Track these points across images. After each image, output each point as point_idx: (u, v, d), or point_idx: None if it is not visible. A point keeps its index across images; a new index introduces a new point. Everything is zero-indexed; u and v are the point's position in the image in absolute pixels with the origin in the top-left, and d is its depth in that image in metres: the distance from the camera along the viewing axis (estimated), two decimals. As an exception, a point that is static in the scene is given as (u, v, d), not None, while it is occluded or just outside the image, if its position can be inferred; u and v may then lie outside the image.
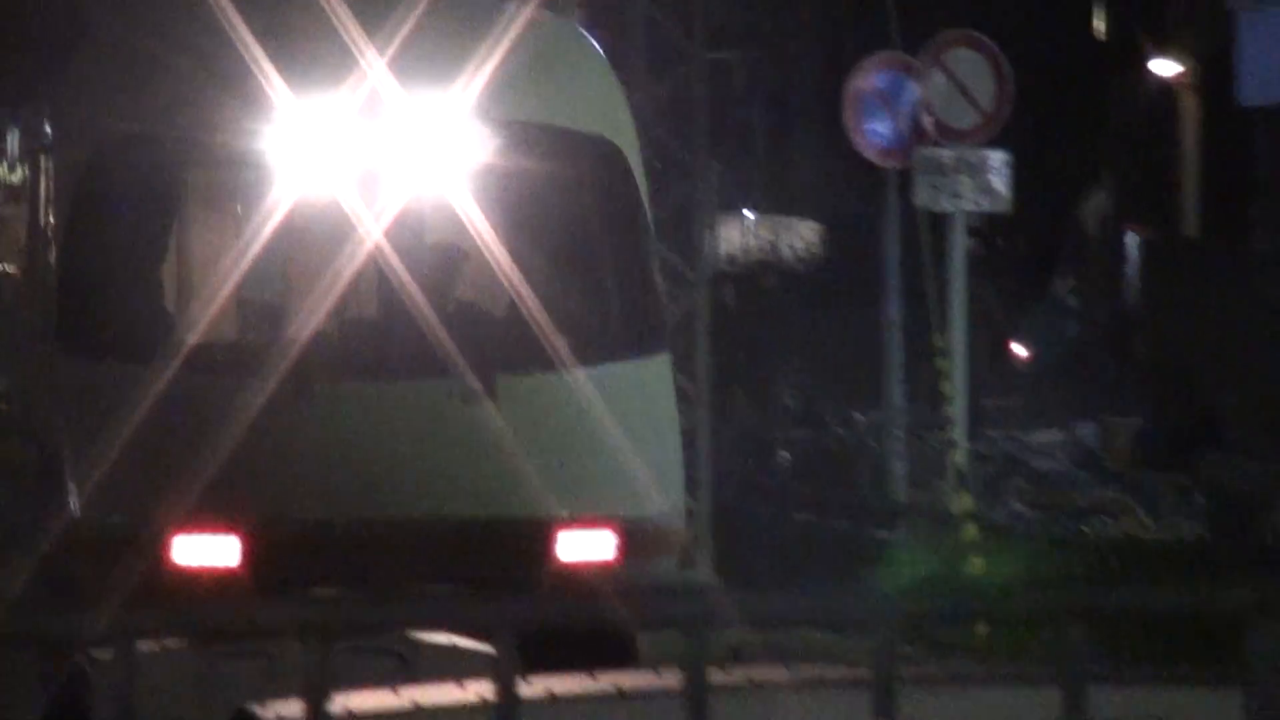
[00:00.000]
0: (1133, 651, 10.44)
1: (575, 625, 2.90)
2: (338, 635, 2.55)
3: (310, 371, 7.90)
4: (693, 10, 16.22)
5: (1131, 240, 26.69)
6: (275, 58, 7.89)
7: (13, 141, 9.21)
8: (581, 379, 8.21)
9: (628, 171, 8.68)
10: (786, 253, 29.09)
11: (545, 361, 8.09)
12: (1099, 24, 29.37)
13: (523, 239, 8.32)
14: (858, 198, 23.98)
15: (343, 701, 3.45)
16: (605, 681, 4.06)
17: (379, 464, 8.02)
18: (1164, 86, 27.00)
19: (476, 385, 7.90)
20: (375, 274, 8.24)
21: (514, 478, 7.94)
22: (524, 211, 8.53)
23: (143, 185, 8.48)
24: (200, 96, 8.30)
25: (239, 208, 8.74)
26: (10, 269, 9.36)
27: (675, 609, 2.92)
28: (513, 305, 8.23)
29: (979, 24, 19.52)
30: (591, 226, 8.61)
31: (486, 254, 8.11)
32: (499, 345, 8.35)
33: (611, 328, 8.73)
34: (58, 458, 7.95)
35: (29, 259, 8.86)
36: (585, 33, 9.83)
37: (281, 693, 4.03)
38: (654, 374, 8.68)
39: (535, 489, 7.87)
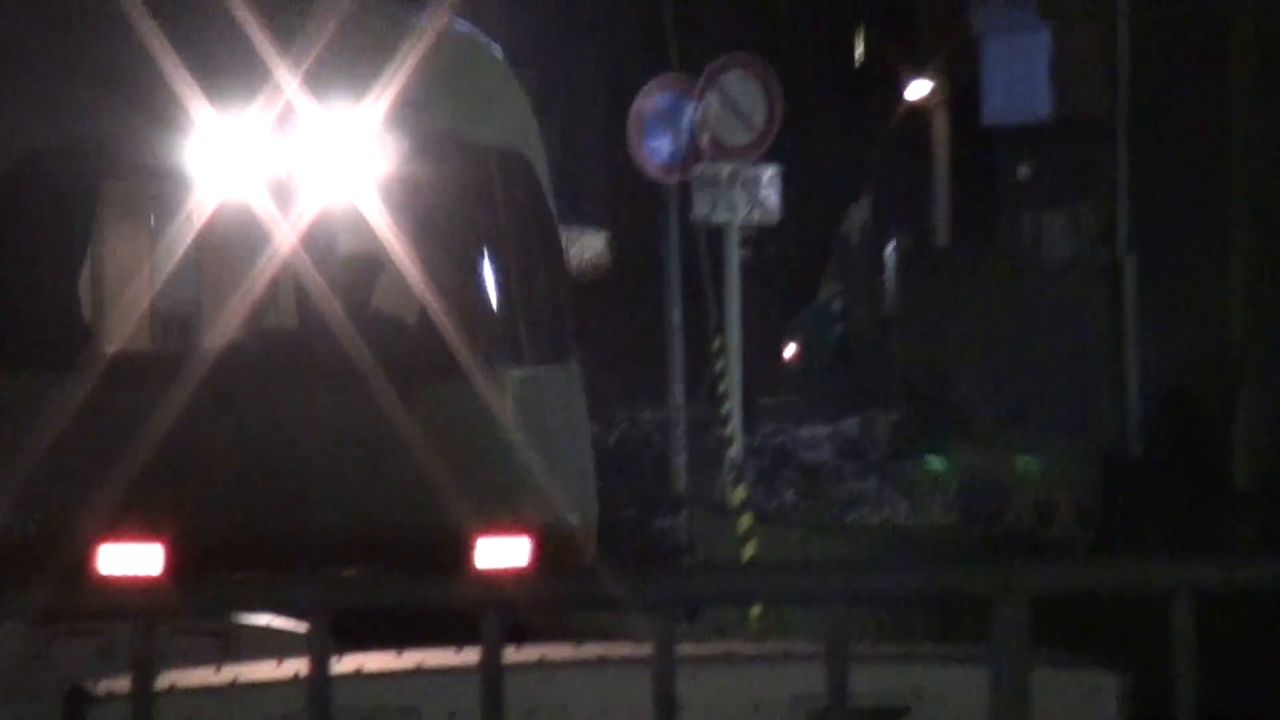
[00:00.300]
0: (891, 631, 10.79)
1: (395, 607, 2.98)
2: (164, 617, 2.61)
3: (225, 381, 7.77)
4: (485, 33, 16.90)
5: (889, 248, 28.06)
6: (189, 68, 7.73)
7: None
8: (493, 386, 8.07)
9: (536, 182, 8.66)
10: (576, 260, 30.45)
11: (457, 369, 7.97)
12: (860, 48, 31.19)
13: (433, 249, 8.15)
14: (642, 210, 24.64)
15: (168, 679, 3.65)
16: (410, 659, 4.13)
17: (295, 472, 7.94)
18: (917, 107, 28.96)
19: (390, 393, 7.72)
20: (288, 284, 8.17)
21: (428, 484, 7.77)
22: (434, 222, 8.42)
23: (55, 197, 8.45)
24: (112, 107, 8.19)
25: (153, 219, 8.76)
26: None
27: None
28: (425, 314, 8.14)
29: (752, 47, 20.76)
30: (501, 236, 8.48)
31: (398, 264, 8.00)
32: (412, 353, 8.28)
33: (523, 335, 8.53)
34: None
35: None
36: (493, 43, 9.58)
37: (113, 671, 3.95)
38: (565, 380, 8.60)
39: (451, 495, 7.68)
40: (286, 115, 7.83)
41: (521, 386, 8.40)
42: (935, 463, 19.70)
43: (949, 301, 23.35)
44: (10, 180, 8.16)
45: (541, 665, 4.02)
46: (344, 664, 3.68)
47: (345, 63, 7.99)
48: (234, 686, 4.10)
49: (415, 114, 8.14)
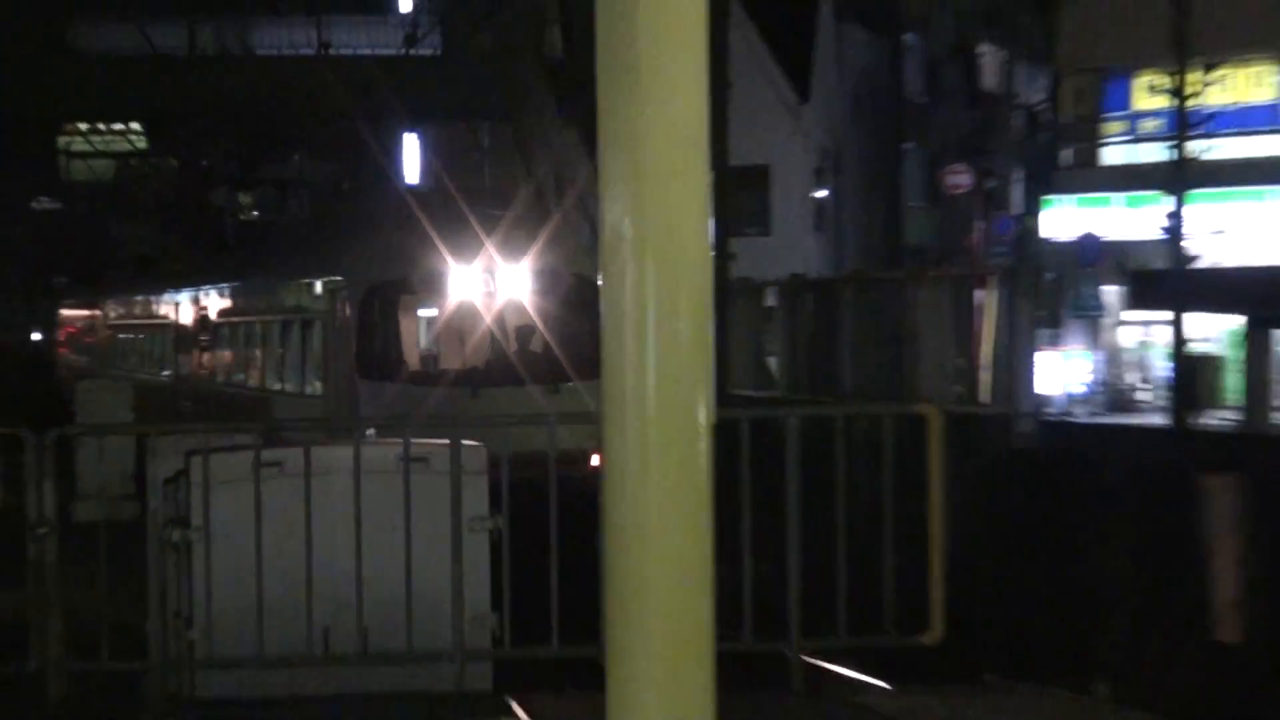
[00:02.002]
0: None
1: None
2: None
3: (474, 381, 14.97)
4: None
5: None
6: (452, 242, 15.23)
7: (320, 287, 17.10)
8: (579, 386, 14.64)
9: (592, 285, 14.60)
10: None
11: (573, 378, 14.74)
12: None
13: (555, 316, 15.73)
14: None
15: None
16: None
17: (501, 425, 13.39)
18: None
19: (541, 388, 14.76)
20: (499, 333, 15.56)
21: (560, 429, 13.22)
22: (553, 304, 15.84)
23: (391, 301, 16.03)
24: (418, 260, 15.58)
25: (438, 307, 15.94)
26: (317, 347, 16.93)
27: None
28: (550, 350, 15.48)
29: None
30: (581, 311, 15.47)
31: (541, 323, 15.69)
32: (547, 370, 15.11)
33: (591, 361, 13.27)
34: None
35: (337, 338, 16.17)
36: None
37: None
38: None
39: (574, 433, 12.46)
40: (494, 262, 15.26)
41: (590, 386, 14.56)
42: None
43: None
44: (370, 293, 15.78)
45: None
46: None
47: (518, 242, 15.40)
48: None
49: (542, 261, 15.55)
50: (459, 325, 15.87)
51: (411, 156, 30.79)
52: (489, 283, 15.80)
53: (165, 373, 23.38)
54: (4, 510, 9.75)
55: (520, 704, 7.78)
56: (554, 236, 17.00)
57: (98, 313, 30.65)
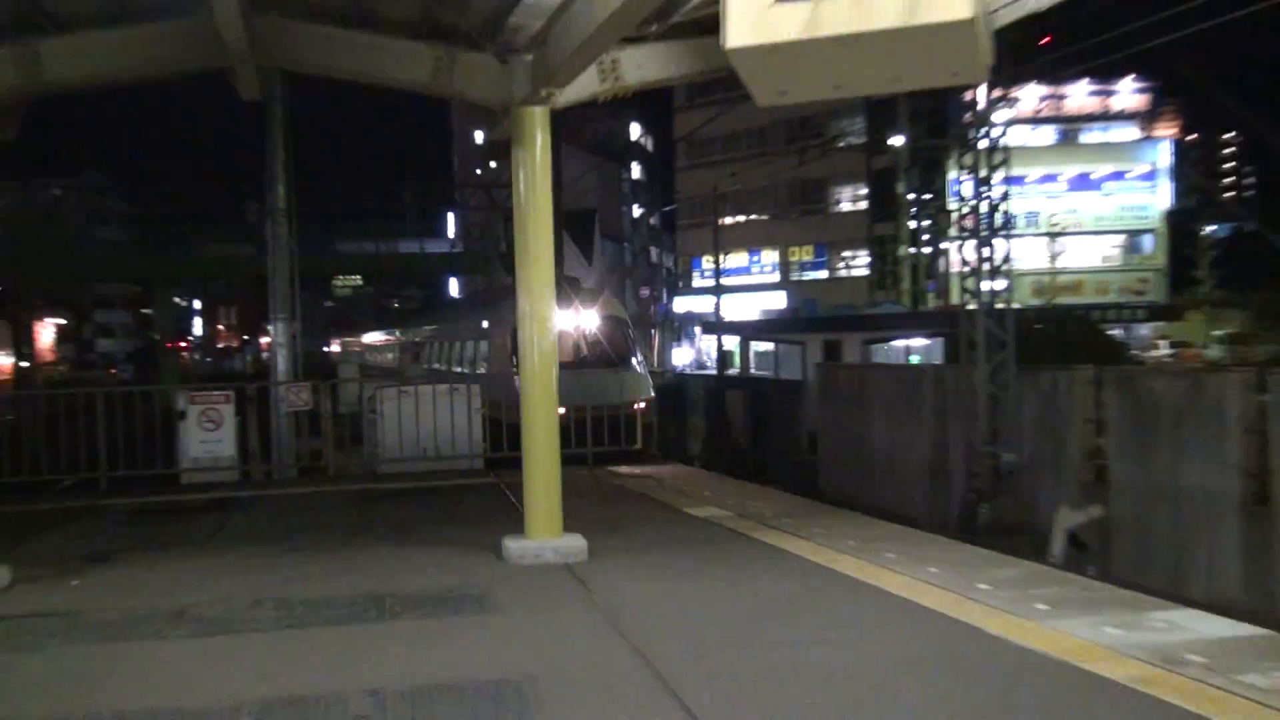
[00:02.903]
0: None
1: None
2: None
3: (576, 366, 22.69)
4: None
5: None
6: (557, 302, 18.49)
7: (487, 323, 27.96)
8: (631, 370, 24.48)
9: (627, 324, 26.54)
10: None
11: (618, 366, 23.99)
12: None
13: (610, 340, 24.91)
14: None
15: None
16: None
17: (586, 388, 20.31)
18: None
19: (607, 370, 23.54)
20: (580, 347, 24.33)
21: (620, 390, 22.44)
22: (609, 334, 24.80)
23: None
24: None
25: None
26: (499, 340, 25.83)
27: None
28: (611, 354, 24.64)
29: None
30: (624, 337, 25.22)
31: (605, 343, 24.85)
32: (609, 362, 23.85)
33: (631, 358, 25.28)
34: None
35: (500, 355, 25.03)
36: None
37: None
38: (646, 369, 25.61)
39: (626, 394, 22.65)
40: (576, 307, 24.51)
41: (635, 369, 24.82)
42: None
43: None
44: (511, 331, 21.16)
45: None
46: None
47: (590, 301, 25.28)
48: None
49: (603, 310, 25.38)
50: (564, 341, 23.22)
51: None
52: (575, 319, 24.62)
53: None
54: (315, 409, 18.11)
55: (494, 473, 15.62)
56: (604, 297, 27.35)
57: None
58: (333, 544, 10.74)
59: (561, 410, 19.06)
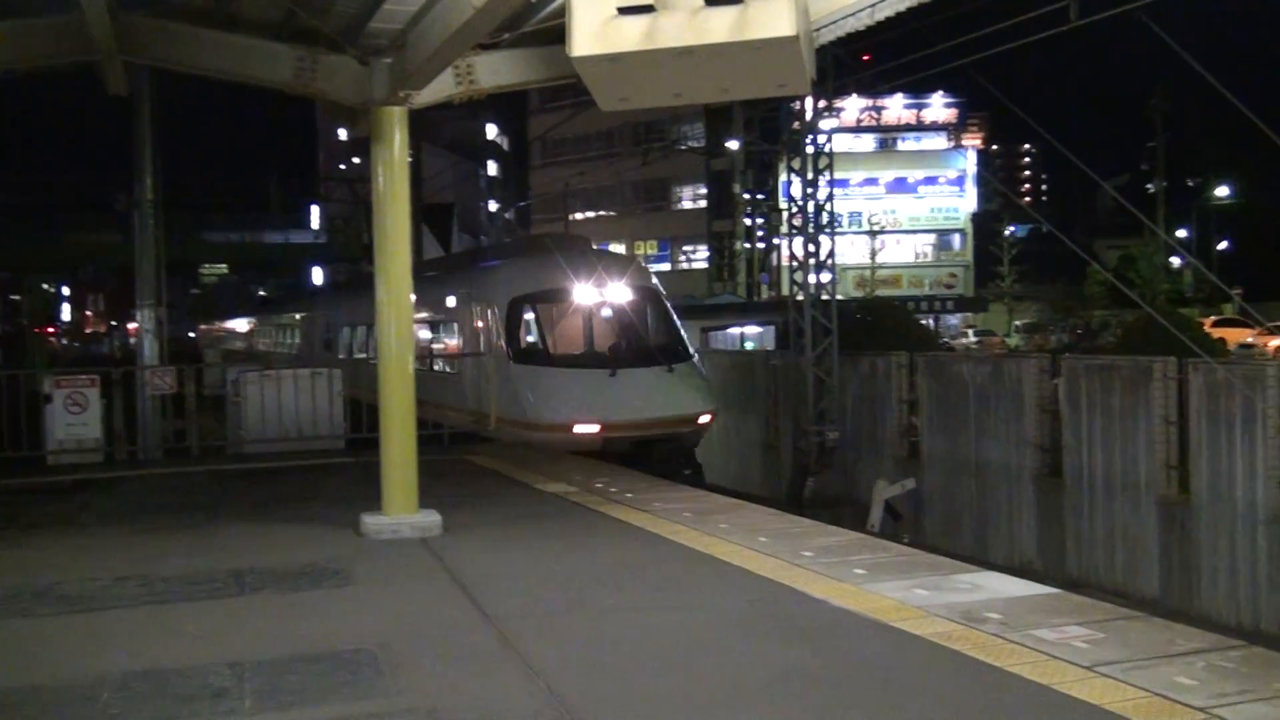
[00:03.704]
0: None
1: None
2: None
3: (614, 364, 16.50)
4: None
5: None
6: (571, 269, 17.42)
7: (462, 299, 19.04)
8: (682, 361, 17.40)
9: (665, 300, 18.76)
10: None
11: (667, 361, 17.05)
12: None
13: (646, 320, 17.93)
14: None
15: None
16: None
17: (628, 399, 16.15)
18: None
19: (654, 367, 16.80)
20: (605, 330, 17.39)
21: (676, 398, 16.72)
22: (646, 310, 17.88)
23: (529, 308, 17.38)
24: (547, 280, 17.48)
25: (566, 314, 17.50)
26: (466, 342, 18.97)
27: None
28: (649, 342, 17.48)
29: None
30: (664, 320, 18.08)
31: (643, 332, 17.69)
32: (653, 353, 17.09)
33: (682, 349, 18.01)
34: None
35: (481, 336, 17.87)
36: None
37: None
38: (696, 362, 18.12)
39: (683, 403, 16.81)
40: (604, 282, 17.46)
41: (693, 365, 17.77)
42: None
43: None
44: (514, 304, 17.23)
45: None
46: None
47: (614, 266, 18.04)
48: None
49: (633, 280, 18.03)
50: (585, 321, 17.57)
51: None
52: (604, 294, 17.69)
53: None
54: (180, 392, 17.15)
55: (354, 454, 15.14)
56: (635, 264, 19.77)
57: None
58: (195, 523, 10.43)
59: (594, 429, 16.29)
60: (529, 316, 17.45)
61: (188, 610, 7.12)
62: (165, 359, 19.83)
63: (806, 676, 5.49)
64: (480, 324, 18.26)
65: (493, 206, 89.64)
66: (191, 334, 65.99)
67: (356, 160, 70.45)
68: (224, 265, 67.10)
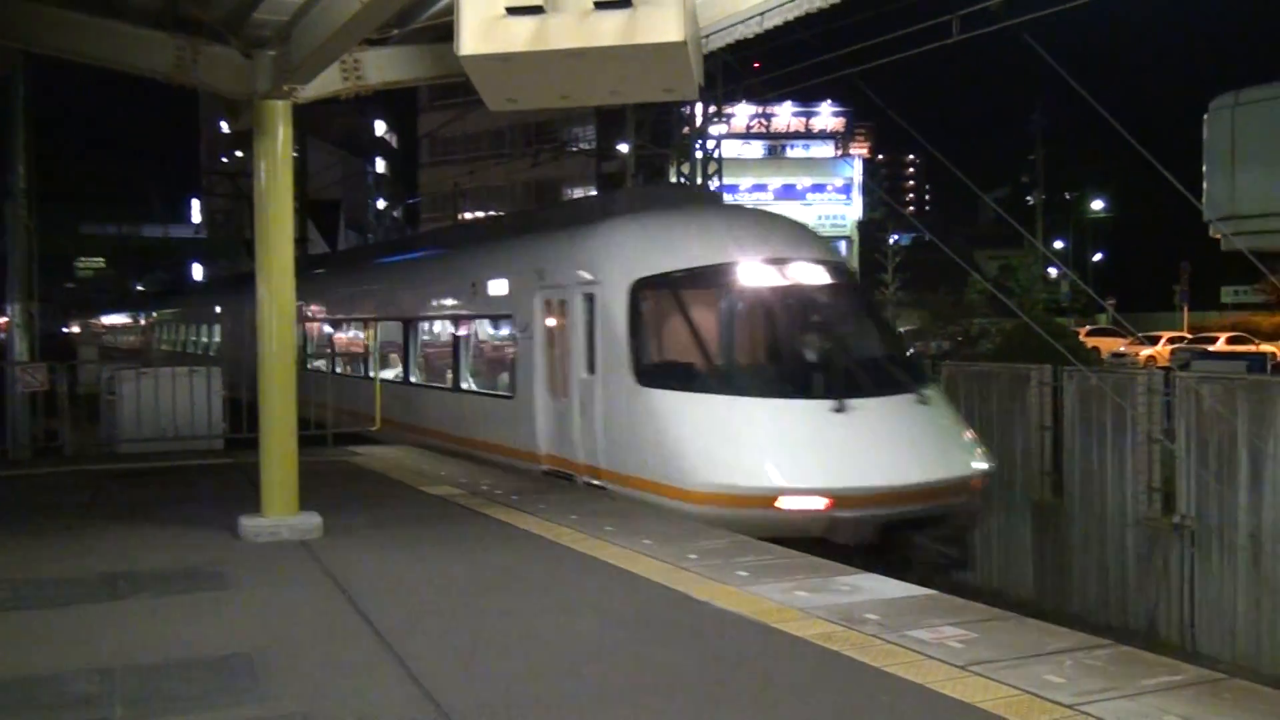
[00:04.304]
0: None
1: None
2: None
3: (838, 392, 10.49)
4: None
5: None
6: (735, 235, 11.75)
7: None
8: (923, 387, 11.33)
9: (859, 282, 13.90)
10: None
11: (907, 387, 11.13)
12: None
13: (864, 321, 12.16)
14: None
15: None
16: None
17: (884, 445, 10.24)
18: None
19: (910, 399, 10.89)
20: (811, 339, 11.19)
21: (942, 452, 10.64)
22: (851, 305, 12.08)
23: (664, 298, 11.28)
24: (699, 251, 11.49)
25: (738, 308, 11.57)
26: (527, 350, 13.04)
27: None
28: (889, 367, 11.68)
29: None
30: (879, 324, 12.58)
31: (855, 329, 12.02)
32: (885, 375, 11.35)
33: (914, 366, 12.53)
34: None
35: (563, 340, 12.14)
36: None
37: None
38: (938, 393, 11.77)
39: (950, 460, 10.63)
40: (788, 258, 11.62)
41: (940, 394, 11.73)
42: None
43: None
44: (642, 290, 11.25)
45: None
46: None
47: (806, 244, 12.08)
48: None
49: (824, 256, 12.05)
50: (763, 314, 11.66)
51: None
52: (786, 278, 11.58)
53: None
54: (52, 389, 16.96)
55: (233, 454, 14.71)
56: (828, 245, 13.71)
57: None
58: (67, 524, 10.12)
59: (817, 502, 9.76)
60: (671, 311, 11.54)
61: (56, 616, 6.89)
62: (37, 355, 19.15)
63: (686, 678, 5.53)
64: (561, 322, 12.58)
65: (381, 204, 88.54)
66: (65, 329, 64.07)
67: (240, 154, 69.19)
68: (100, 259, 65.15)
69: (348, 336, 21.86)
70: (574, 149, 60.37)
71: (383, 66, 9.99)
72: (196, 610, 7.01)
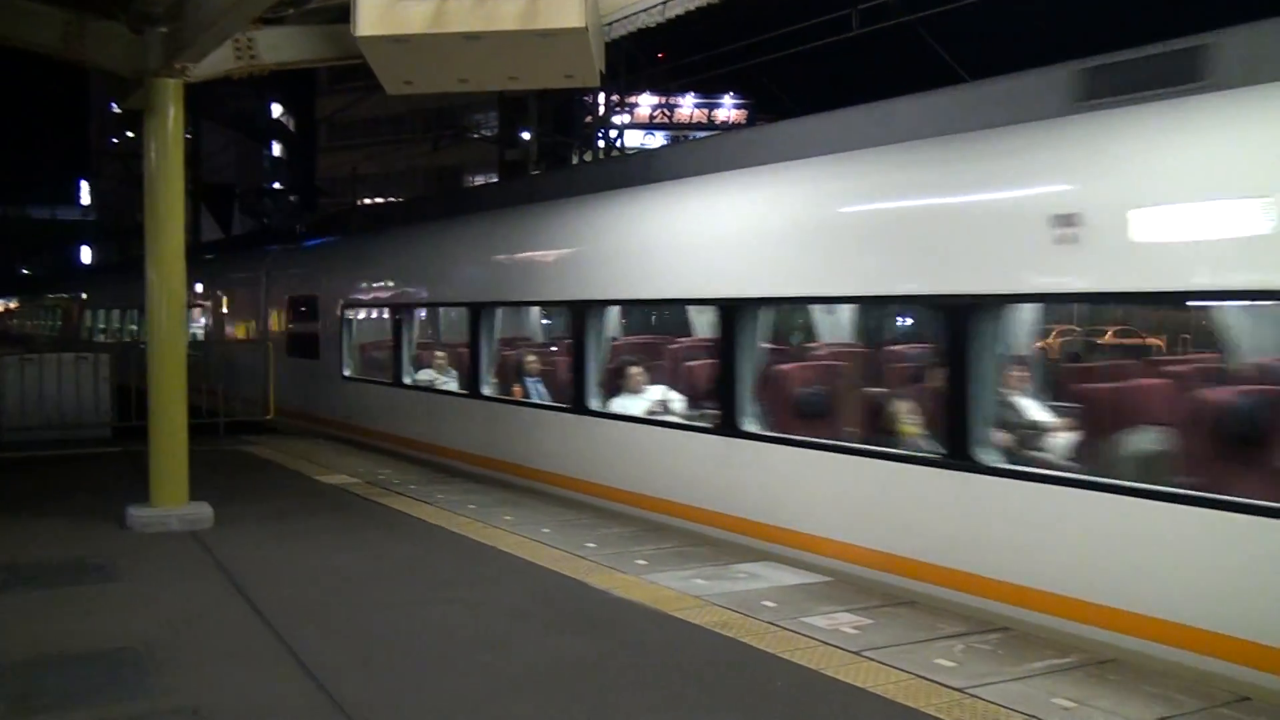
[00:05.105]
0: None
1: None
2: None
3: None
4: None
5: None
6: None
7: None
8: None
9: None
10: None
11: None
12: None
13: None
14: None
15: None
16: None
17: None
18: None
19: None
20: None
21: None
22: None
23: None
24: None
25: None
26: None
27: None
28: None
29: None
30: None
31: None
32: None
33: None
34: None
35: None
36: None
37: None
38: None
39: None
40: None
41: None
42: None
43: None
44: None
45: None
46: None
47: None
48: None
49: None
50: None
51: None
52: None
53: None
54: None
55: (122, 443, 14.51)
56: None
57: None
58: (-57, 515, 9.76)
59: None
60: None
61: (-70, 610, 6.64)
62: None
63: (585, 667, 5.52)
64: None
65: (277, 187, 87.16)
66: None
67: (131, 134, 67.46)
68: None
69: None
70: (475, 135, 59.98)
71: (277, 46, 9.79)
72: (82, 603, 6.83)
